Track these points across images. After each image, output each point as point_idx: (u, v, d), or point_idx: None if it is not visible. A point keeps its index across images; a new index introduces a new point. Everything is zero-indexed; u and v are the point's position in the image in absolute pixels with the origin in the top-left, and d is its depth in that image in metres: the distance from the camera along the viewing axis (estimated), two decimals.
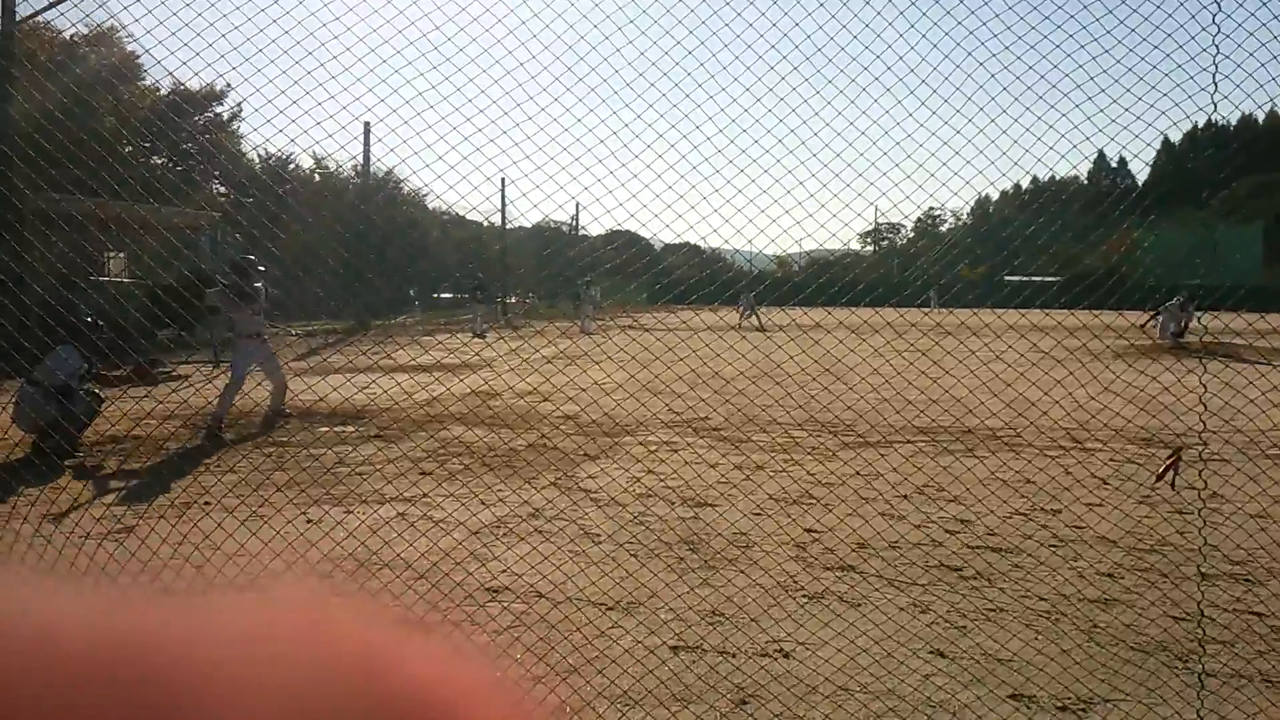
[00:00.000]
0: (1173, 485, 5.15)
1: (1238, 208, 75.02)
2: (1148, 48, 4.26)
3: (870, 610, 4.68)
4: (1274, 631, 4.47)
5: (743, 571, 5.24)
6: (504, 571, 5.20)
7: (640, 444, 8.87)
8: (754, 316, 30.68)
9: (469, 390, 10.31)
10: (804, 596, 4.89)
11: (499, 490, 6.89)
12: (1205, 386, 4.18)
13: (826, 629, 4.39)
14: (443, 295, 43.32)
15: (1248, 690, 3.84)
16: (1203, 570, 5.17)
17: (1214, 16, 3.90)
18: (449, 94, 4.48)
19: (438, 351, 13.73)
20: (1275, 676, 3.97)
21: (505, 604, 4.75)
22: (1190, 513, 6.52)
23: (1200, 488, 5.16)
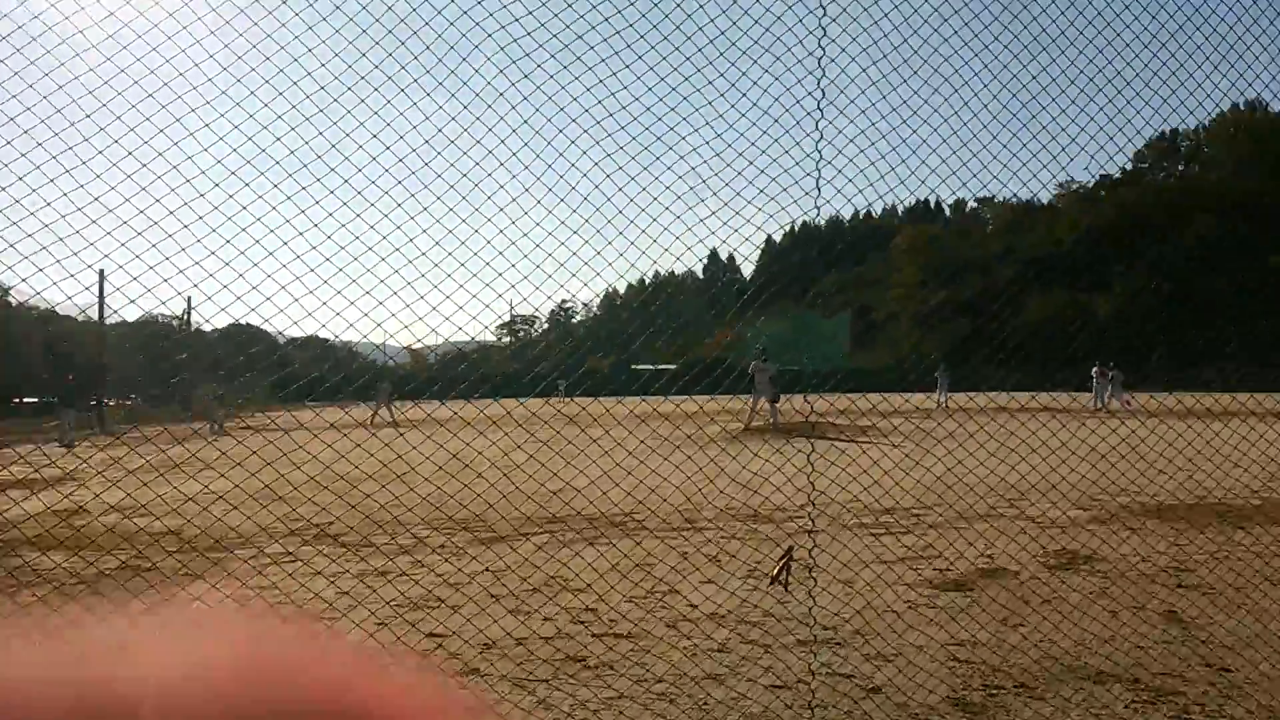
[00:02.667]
0: (785, 586, 5.48)
1: (827, 301, 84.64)
2: (755, 152, 4.68)
3: (496, 713, 4.59)
4: (862, 692, 4.89)
5: None
6: None
7: (251, 559, 8.27)
8: (387, 412, 30.05)
9: (48, 508, 9.16)
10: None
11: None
12: (813, 465, 4.56)
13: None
14: (26, 400, 38.44)
15: None
16: (814, 636, 5.60)
17: (817, 123, 4.37)
18: (29, 171, 4.00)
19: (15, 466, 12.09)
20: None
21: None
22: (791, 585, 7.08)
23: (809, 560, 5.61)
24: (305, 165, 4.26)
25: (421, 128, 4.38)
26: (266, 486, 6.40)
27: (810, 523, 5.84)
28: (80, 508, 9.40)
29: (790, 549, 4.65)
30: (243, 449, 5.14)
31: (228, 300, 4.15)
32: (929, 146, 4.98)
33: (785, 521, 9.76)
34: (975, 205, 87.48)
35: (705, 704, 4.72)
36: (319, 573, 7.52)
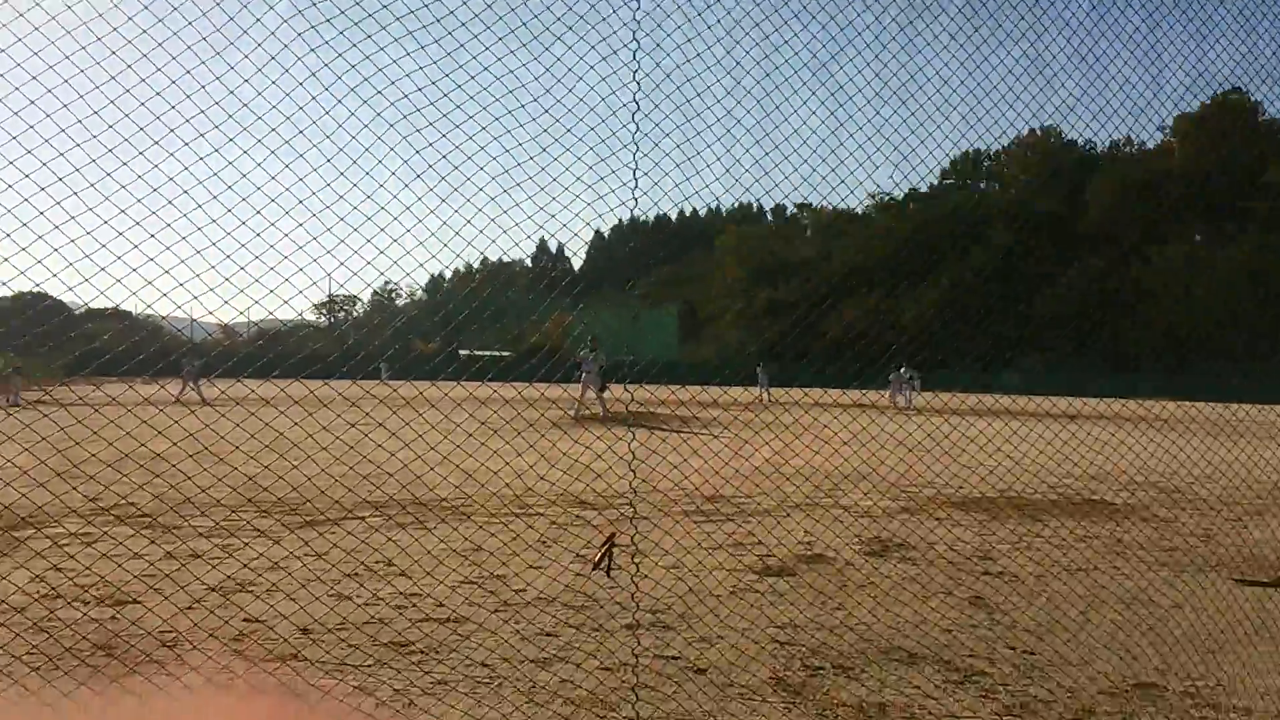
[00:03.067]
0: (608, 572, 5.49)
1: (656, 294, 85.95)
2: (583, 148, 4.63)
3: (313, 700, 4.40)
4: (686, 673, 4.95)
5: (172, 674, 4.67)
6: None
7: (47, 537, 7.67)
8: (196, 390, 28.59)
9: None
10: (235, 694, 4.47)
11: None
12: (634, 453, 4.56)
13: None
14: None
15: None
16: (639, 620, 5.63)
17: (634, 114, 4.35)
18: None
19: None
20: (696, 715, 4.37)
21: None
22: (618, 569, 7.11)
23: (631, 546, 5.63)
24: (127, 115, 3.94)
25: (249, 85, 4.14)
26: (68, 460, 5.94)
27: (633, 509, 5.90)
28: None
29: (612, 536, 4.65)
30: (46, 423, 4.73)
31: (23, 266, 3.79)
32: (748, 152, 5.07)
33: (608, 508, 9.81)
34: (794, 210, 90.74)
35: (531, 688, 4.67)
36: (131, 553, 7.05)
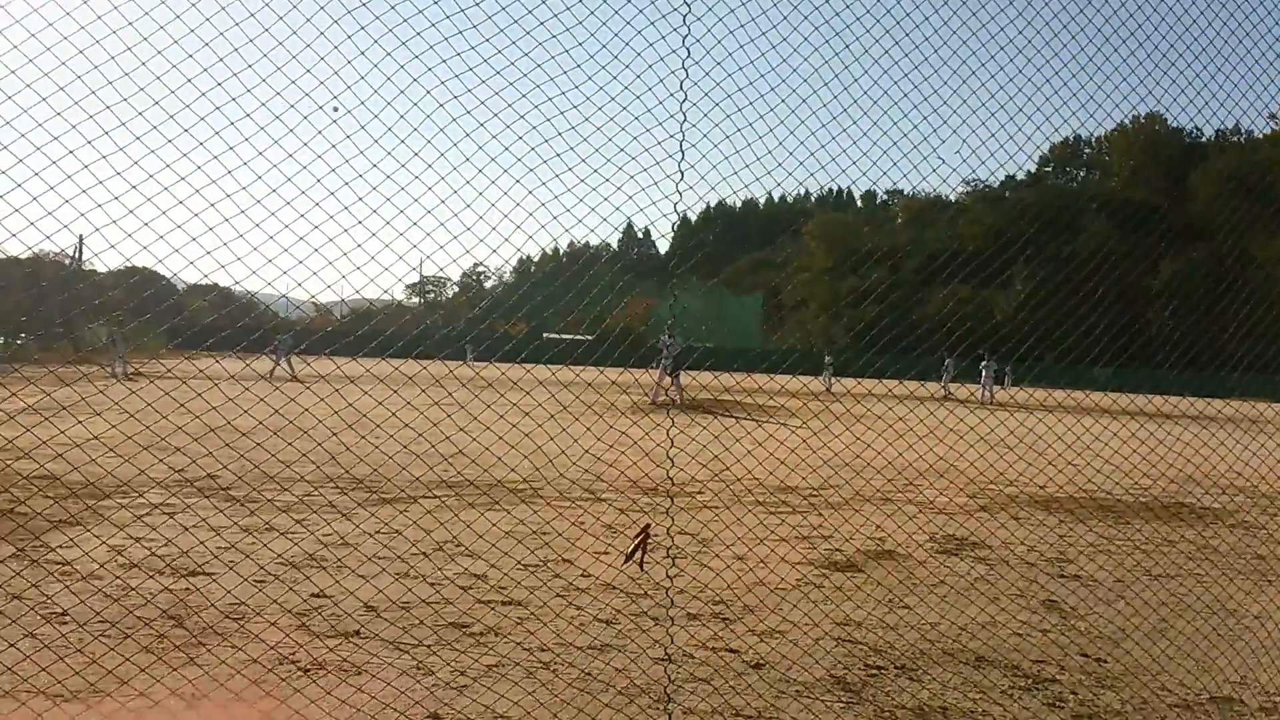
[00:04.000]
0: (641, 565, 5.44)
1: (740, 280, 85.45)
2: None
3: (369, 677, 4.47)
4: (746, 667, 4.90)
5: (235, 646, 4.79)
6: None
7: (133, 507, 7.95)
8: (287, 365, 29.33)
9: None
10: (301, 668, 4.56)
11: None
12: (671, 440, 4.50)
13: (318, 704, 4.11)
14: None
15: None
16: (689, 612, 5.59)
17: (680, 103, 4.27)
18: None
19: None
20: (747, 711, 4.32)
21: None
22: (685, 557, 7.08)
23: (668, 539, 5.59)
24: (230, 99, 4.02)
25: (342, 70, 4.18)
26: (155, 434, 6.13)
27: (669, 499, 5.85)
28: None
29: (647, 527, 4.59)
30: (137, 398, 4.88)
31: (121, 238, 3.89)
32: (846, 136, 4.94)
33: (680, 495, 9.77)
34: (885, 197, 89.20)
35: (588, 674, 4.67)
36: (204, 523, 7.26)
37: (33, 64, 3.66)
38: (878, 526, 8.59)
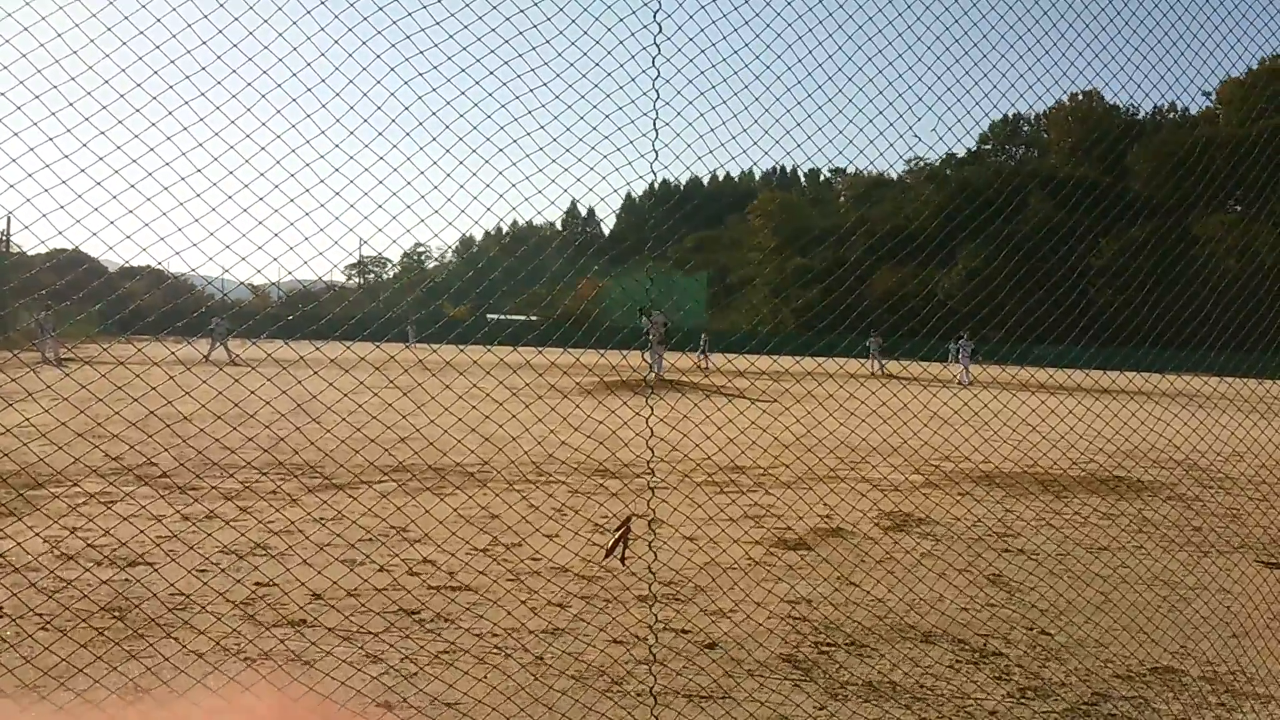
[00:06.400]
0: (623, 560, 5.38)
1: (686, 259, 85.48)
2: (609, 107, 4.50)
3: (317, 666, 4.40)
4: (697, 648, 4.90)
5: (177, 638, 4.69)
6: None
7: (69, 497, 7.74)
8: (224, 350, 28.82)
9: None
10: (243, 659, 4.48)
11: None
12: (647, 424, 4.48)
13: (267, 692, 4.03)
14: None
15: (677, 705, 4.14)
16: (654, 592, 5.58)
17: (654, 82, 4.23)
18: None
19: None
20: (699, 692, 4.32)
21: None
22: (633, 558, 7.06)
23: (649, 515, 5.56)
24: (158, 74, 3.88)
25: (276, 45, 4.06)
26: (90, 419, 5.96)
27: (651, 480, 5.83)
28: None
29: (628, 520, 4.56)
30: (68, 381, 4.73)
31: (52, 221, 3.74)
32: (790, 116, 4.92)
33: (629, 477, 9.76)
34: (829, 175, 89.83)
35: (542, 658, 4.65)
36: (143, 512, 7.09)
37: None
38: (827, 505, 8.65)
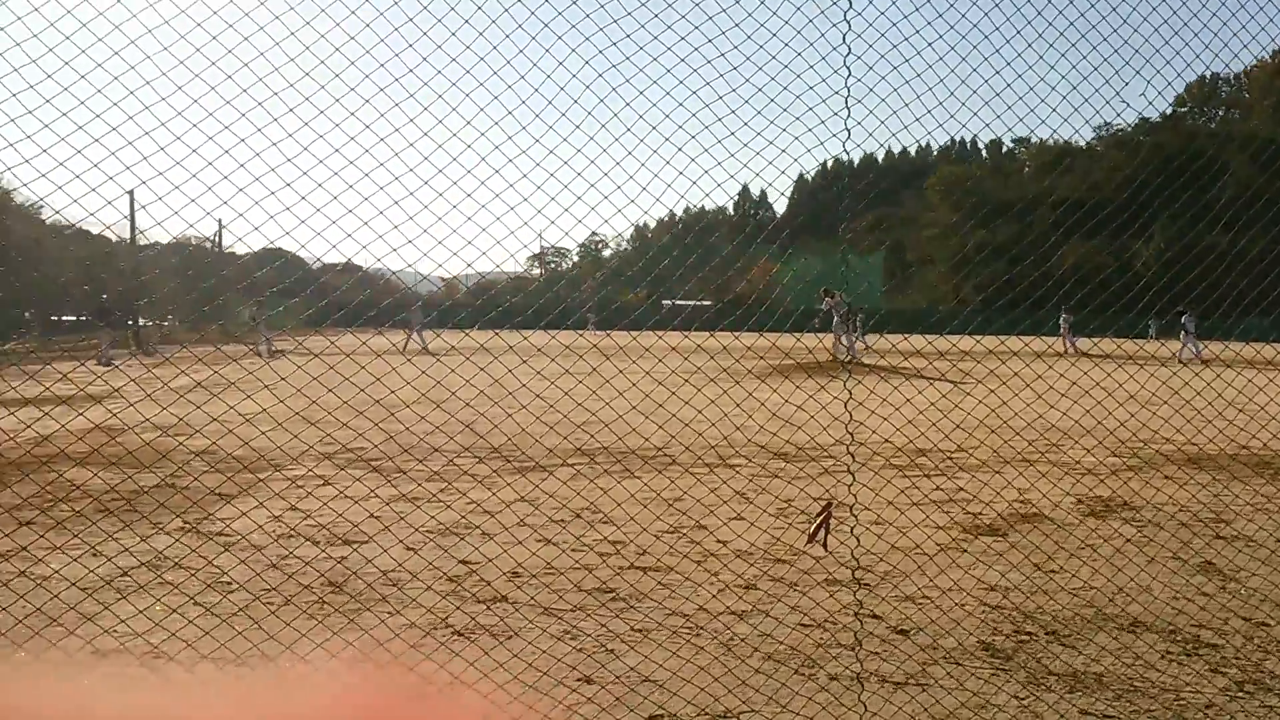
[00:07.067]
0: (825, 545, 5.30)
1: (861, 239, 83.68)
2: (789, 80, 4.52)
3: (521, 642, 4.61)
4: (890, 633, 4.87)
5: (391, 611, 5.00)
6: (118, 631, 4.63)
7: (291, 479, 8.34)
8: (419, 339, 30.15)
9: (90, 425, 9.25)
10: (453, 634, 4.74)
11: (119, 538, 6.17)
12: (844, 404, 4.48)
13: (475, 666, 4.26)
14: (65, 319, 39.05)
15: (870, 687, 4.13)
16: (829, 577, 5.57)
17: (844, 59, 4.21)
18: (88, 98, 3.94)
19: (60, 382, 12.19)
20: (894, 677, 4.30)
21: (118, 669, 4.23)
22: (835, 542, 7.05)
23: (850, 502, 5.56)
24: (354, 87, 4.15)
25: (460, 55, 4.26)
26: (304, 408, 6.41)
27: (851, 460, 5.79)
28: (122, 426, 9.51)
29: (829, 505, 4.53)
30: (279, 372, 5.11)
31: (259, 222, 4.06)
32: (965, 85, 4.78)
33: (810, 461, 9.71)
34: (1011, 146, 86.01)
35: (732, 640, 4.72)
36: (354, 493, 7.57)
37: (169, 52, 3.84)
38: (1019, 489, 8.37)
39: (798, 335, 23.22)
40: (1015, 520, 7.29)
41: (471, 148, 4.45)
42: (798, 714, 3.88)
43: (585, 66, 4.47)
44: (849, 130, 4.10)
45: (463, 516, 7.08)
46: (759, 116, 4.56)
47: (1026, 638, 4.79)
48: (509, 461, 9.40)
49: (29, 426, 8.69)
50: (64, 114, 3.70)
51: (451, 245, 4.34)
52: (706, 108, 4.49)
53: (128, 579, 5.50)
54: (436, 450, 9.32)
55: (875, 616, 5.09)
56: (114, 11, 3.83)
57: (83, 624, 4.68)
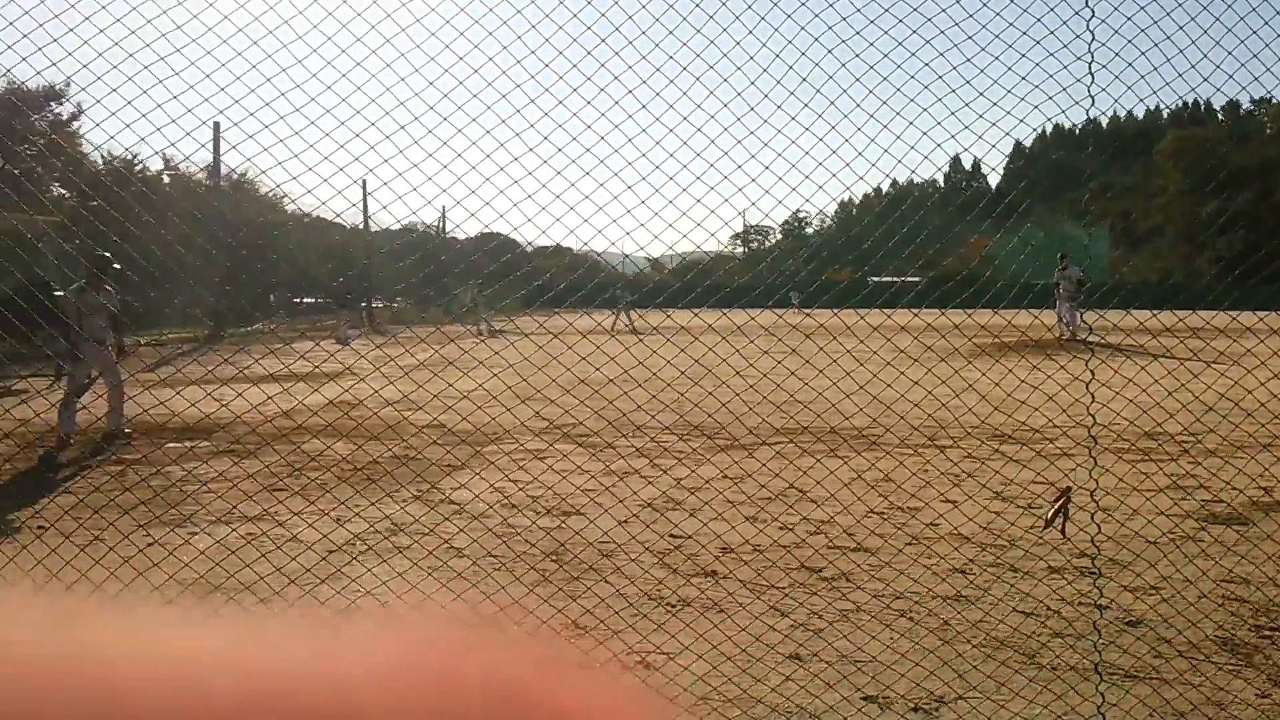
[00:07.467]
0: (1063, 531, 5.14)
1: (1085, 209, 78.83)
2: (1026, 44, 4.35)
3: (731, 616, 4.68)
4: (1118, 624, 4.65)
5: (606, 581, 5.19)
6: (359, 591, 5.01)
7: (507, 453, 8.74)
8: (628, 320, 30.79)
9: (330, 400, 10.00)
10: (666, 605, 4.86)
11: (358, 505, 6.67)
12: (1083, 384, 4.30)
13: (686, 637, 4.36)
14: (306, 301, 42.18)
15: (1093, 680, 3.98)
16: (1050, 564, 5.36)
17: (1088, 23, 4.02)
18: (316, 93, 4.29)
19: (299, 360, 13.28)
20: (1122, 669, 4.11)
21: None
22: (1038, 508, 6.78)
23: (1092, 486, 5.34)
24: (562, 76, 4.31)
25: (666, 39, 4.33)
26: (525, 383, 6.71)
27: (1093, 443, 5.56)
28: (358, 402, 10.24)
29: (1067, 491, 4.35)
30: (500, 351, 5.37)
31: (477, 208, 4.29)
32: (1204, 39, 4.44)
33: (1029, 443, 9.31)
34: (1250, 108, 78.92)
35: (947, 624, 4.62)
36: (569, 467, 7.87)
37: (389, 47, 4.09)
38: (1257, 476, 7.76)
39: (1011, 311, 22.18)
40: (1261, 509, 6.77)
41: (673, 132, 4.53)
42: (1031, 701, 3.77)
43: (787, 46, 4.44)
44: (1092, 97, 3.90)
45: (668, 492, 7.23)
46: (982, 76, 4.39)
47: (1270, 634, 4.47)
48: (711, 439, 9.50)
49: (270, 399, 9.46)
50: (297, 109, 4.02)
51: (654, 227, 4.44)
52: (926, 66, 4.38)
53: (366, 543, 5.94)
54: (650, 428, 9.54)
55: (1101, 606, 4.87)
56: (342, 11, 4.12)
57: (328, 583, 5.09)
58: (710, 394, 8.10)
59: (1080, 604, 4.89)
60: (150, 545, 5.71)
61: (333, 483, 7.47)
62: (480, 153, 4.28)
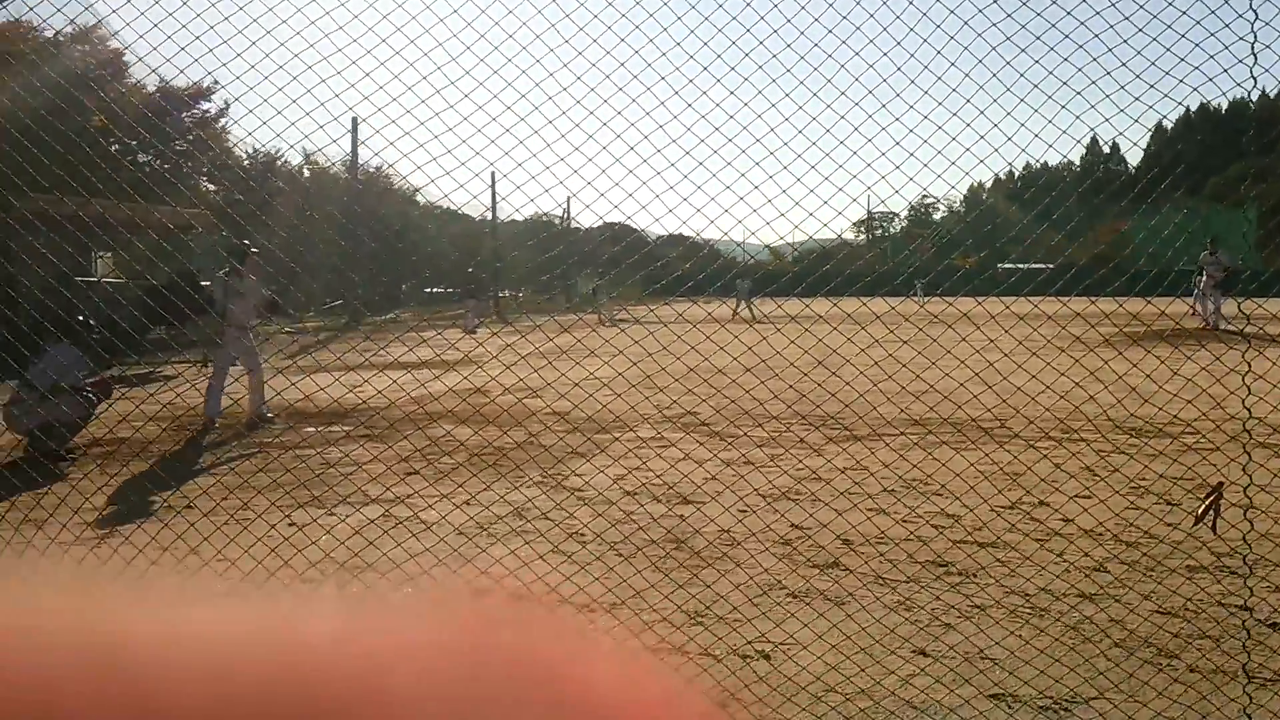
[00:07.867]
0: (1214, 529, 4.93)
1: (1229, 192, 74.81)
2: (1187, 23, 4.18)
3: (854, 609, 4.65)
4: (1264, 626, 4.44)
5: (727, 570, 5.22)
6: (487, 573, 5.16)
7: (629, 441, 8.84)
8: (748, 308, 30.67)
9: (458, 387, 10.28)
10: (788, 595, 4.86)
11: (486, 489, 6.86)
12: (1239, 376, 4.14)
13: (810, 628, 4.36)
14: (435, 291, 43.47)
15: (1232, 690, 3.82)
16: (1190, 563, 5.15)
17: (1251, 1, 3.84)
18: (441, 87, 4.44)
19: (429, 348, 13.68)
20: (1264, 674, 3.94)
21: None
22: (1178, 504, 6.52)
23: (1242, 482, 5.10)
24: (679, 67, 4.34)
25: (786, 27, 4.31)
26: (645, 374, 6.78)
27: (1248, 438, 5.30)
28: (484, 389, 10.51)
29: (1219, 486, 4.15)
30: (623, 339, 5.46)
31: (599, 199, 4.38)
32: None
33: (1162, 436, 8.93)
34: None
35: (1080, 623, 4.50)
36: (690, 455, 7.92)
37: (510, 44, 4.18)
38: None
39: (1146, 300, 21.12)
40: None
41: (788, 120, 4.50)
42: (1174, 701, 3.65)
43: (923, 19, 4.37)
44: (1254, 78, 3.71)
45: (796, 482, 7.20)
46: (1129, 45, 4.23)
47: None
48: (841, 429, 9.41)
49: (396, 384, 9.78)
50: (428, 105, 4.15)
51: (767, 216, 4.44)
52: (1080, 48, 4.25)
53: (493, 526, 6.11)
54: (767, 418, 9.52)
55: (1243, 608, 4.65)
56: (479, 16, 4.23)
57: (459, 564, 5.26)
58: (826, 385, 8.04)
59: (1225, 604, 4.68)
60: (291, 526, 5.99)
61: (464, 467, 7.69)
62: (597, 145, 4.35)
